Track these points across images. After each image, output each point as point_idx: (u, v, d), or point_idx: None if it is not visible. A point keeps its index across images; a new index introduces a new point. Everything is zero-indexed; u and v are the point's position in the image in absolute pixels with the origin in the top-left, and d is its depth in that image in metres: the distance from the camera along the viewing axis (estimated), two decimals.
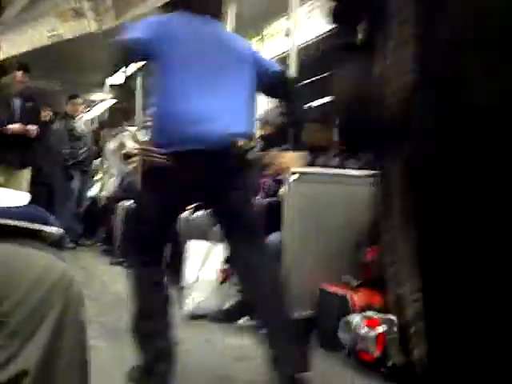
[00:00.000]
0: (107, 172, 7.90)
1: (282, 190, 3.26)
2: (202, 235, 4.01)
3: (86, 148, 7.26)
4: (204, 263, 3.71)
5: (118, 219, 6.17)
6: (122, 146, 7.16)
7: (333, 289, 2.89)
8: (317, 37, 4.56)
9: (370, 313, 2.60)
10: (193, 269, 3.73)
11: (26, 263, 0.79)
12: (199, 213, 4.32)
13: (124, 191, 6.48)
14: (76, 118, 7.26)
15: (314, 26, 4.50)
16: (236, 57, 2.24)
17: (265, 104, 5.22)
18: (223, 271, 3.59)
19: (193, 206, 4.56)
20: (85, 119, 7.78)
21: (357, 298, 2.74)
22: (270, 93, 2.49)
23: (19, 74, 5.18)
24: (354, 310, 2.70)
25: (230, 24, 4.02)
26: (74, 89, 8.11)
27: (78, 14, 0.80)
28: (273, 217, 3.20)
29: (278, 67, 2.42)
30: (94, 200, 7.70)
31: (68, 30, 0.86)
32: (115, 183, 7.33)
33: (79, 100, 7.33)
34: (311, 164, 3.52)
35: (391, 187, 1.02)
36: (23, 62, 5.17)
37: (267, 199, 3.49)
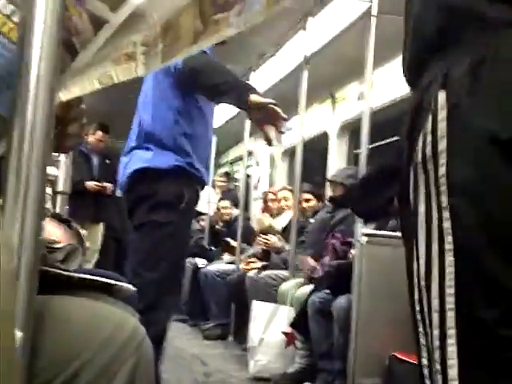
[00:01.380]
0: None
1: (352, 252, 3.20)
2: (268, 296, 3.97)
3: None
4: (269, 325, 3.66)
5: (186, 276, 6.21)
6: None
7: (406, 357, 2.78)
8: (390, 101, 4.56)
9: None
10: (257, 330, 3.68)
11: (99, 319, 0.80)
12: (265, 272, 4.30)
13: (192, 248, 6.55)
14: None
15: (387, 90, 4.51)
16: None
17: (335, 164, 5.23)
18: (288, 334, 3.53)
19: (259, 265, 4.57)
20: None
21: None
22: None
23: (100, 133, 5.49)
24: None
25: (302, 85, 4.08)
26: None
27: (130, 58, 0.83)
28: (341, 279, 3.15)
29: None
30: None
31: (119, 72, 0.90)
32: None
33: None
34: (383, 227, 3.46)
35: None
36: (103, 123, 5.47)
37: (336, 261, 3.43)
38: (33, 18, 0.55)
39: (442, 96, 0.95)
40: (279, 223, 4.92)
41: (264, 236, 4.63)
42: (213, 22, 0.63)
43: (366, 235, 2.91)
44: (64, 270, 0.91)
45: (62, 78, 0.60)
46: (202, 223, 6.80)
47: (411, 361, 2.72)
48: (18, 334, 0.58)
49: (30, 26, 0.55)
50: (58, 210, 2.15)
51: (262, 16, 0.67)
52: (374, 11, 3.01)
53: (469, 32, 0.97)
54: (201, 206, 6.78)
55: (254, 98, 2.03)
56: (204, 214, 6.78)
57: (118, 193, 2.26)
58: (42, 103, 0.58)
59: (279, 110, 2.04)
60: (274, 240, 4.55)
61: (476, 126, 0.91)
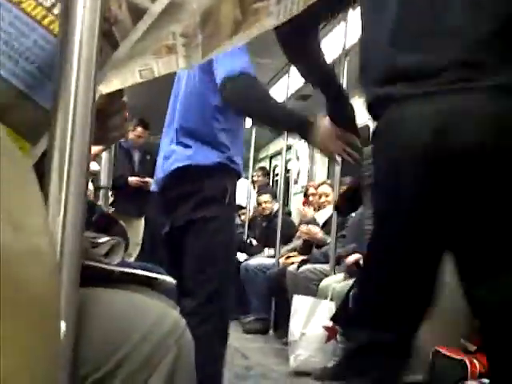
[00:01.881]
0: None
1: None
2: (308, 291, 3.96)
3: None
4: (309, 319, 3.64)
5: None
6: None
7: (449, 352, 2.73)
8: None
9: (486, 380, 2.43)
10: (298, 325, 3.67)
11: (140, 311, 0.80)
12: (306, 266, 4.29)
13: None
14: None
15: None
16: None
17: None
18: (329, 329, 3.51)
19: (299, 259, 4.55)
20: None
21: (476, 363, 2.57)
22: None
23: (140, 129, 5.53)
24: (472, 376, 2.54)
25: (342, 78, 4.04)
26: None
27: (171, 50, 0.81)
28: None
29: None
30: None
31: (160, 65, 0.88)
32: None
33: None
34: None
35: None
36: (144, 119, 5.51)
37: None
38: (73, 10, 0.55)
39: None
40: (319, 218, 4.89)
41: (307, 227, 4.62)
42: (252, 11, 0.62)
43: None
44: (106, 264, 0.92)
45: (104, 69, 0.60)
46: (242, 217, 6.83)
47: (454, 356, 2.68)
48: (62, 325, 0.58)
49: (70, 18, 0.55)
50: (99, 203, 2.18)
51: (302, 5, 0.66)
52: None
53: None
54: (240, 200, 6.82)
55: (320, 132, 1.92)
56: (244, 207, 6.81)
57: (153, 188, 2.27)
58: (82, 96, 0.58)
59: (354, 138, 1.89)
60: (317, 230, 4.53)
61: None
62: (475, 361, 2.59)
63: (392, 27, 1.40)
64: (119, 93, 0.75)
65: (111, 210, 3.46)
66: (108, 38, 0.59)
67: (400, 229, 1.39)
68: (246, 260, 5.79)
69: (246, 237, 6.52)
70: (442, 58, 1.35)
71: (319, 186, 5.26)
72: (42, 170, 0.58)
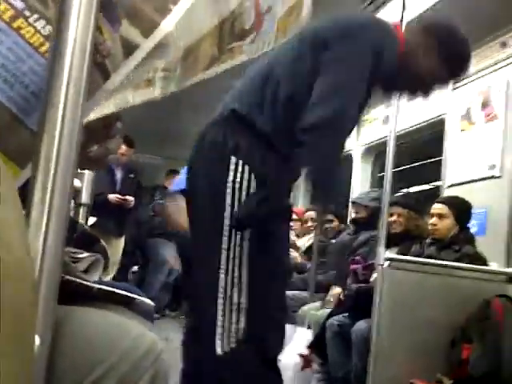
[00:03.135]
0: None
1: (373, 276, 3.16)
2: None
3: None
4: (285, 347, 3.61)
5: None
6: None
7: None
8: (415, 125, 4.54)
9: None
10: None
11: (118, 332, 0.79)
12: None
13: None
14: None
15: (411, 114, 4.50)
16: None
17: (359, 186, 5.21)
18: (305, 357, 3.48)
19: None
20: None
21: None
22: None
23: (123, 147, 5.47)
24: None
25: None
26: (173, 164, 8.45)
27: (149, 83, 0.83)
28: (361, 303, 3.10)
29: None
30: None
31: (136, 96, 0.90)
32: None
33: (178, 176, 7.63)
34: (406, 251, 3.42)
35: None
36: (128, 136, 5.47)
37: (356, 285, 3.39)
38: (65, 38, 0.56)
39: None
40: (302, 243, 4.88)
41: None
42: (228, 50, 0.65)
43: (389, 259, 2.86)
44: (85, 281, 0.91)
45: (95, 98, 0.61)
46: None
47: None
48: (37, 340, 0.58)
49: (61, 45, 0.56)
50: (81, 221, 2.15)
51: (272, 43, 0.70)
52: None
53: None
54: None
55: None
56: None
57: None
58: (69, 119, 0.59)
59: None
60: (295, 255, 4.52)
61: None
62: None
63: None
64: (116, 117, 0.74)
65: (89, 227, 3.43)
66: (101, 70, 0.60)
67: None
68: None
69: None
70: None
71: (306, 211, 5.25)
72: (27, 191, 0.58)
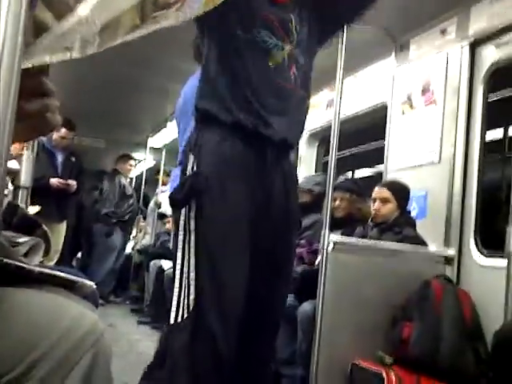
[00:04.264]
0: (143, 229, 8.00)
1: (318, 259, 3.21)
2: None
3: (132, 207, 7.40)
4: None
5: (151, 278, 6.16)
6: (158, 205, 7.28)
7: (366, 365, 2.79)
8: (359, 110, 4.61)
9: None
10: None
11: (58, 312, 0.78)
12: None
13: (157, 249, 6.52)
14: (128, 178, 7.45)
15: (357, 98, 4.56)
16: None
17: (304, 171, 5.25)
18: None
19: None
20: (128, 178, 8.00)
21: (393, 376, 2.63)
22: None
23: (63, 130, 5.32)
24: None
25: None
26: (117, 147, 8.31)
27: (68, 49, 0.81)
28: (307, 285, 3.15)
29: None
30: (129, 257, 7.76)
31: (53, 57, 0.88)
32: (149, 241, 7.40)
33: (132, 161, 7.56)
34: (349, 234, 3.48)
35: None
36: (68, 119, 5.31)
37: (301, 267, 3.43)
38: None
39: None
40: None
41: None
42: (151, 18, 0.65)
43: (333, 242, 2.91)
44: (26, 264, 0.88)
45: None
46: (168, 225, 6.76)
47: (372, 368, 2.74)
48: None
49: None
50: (21, 205, 2.09)
51: (199, 12, 0.70)
52: None
53: None
54: (166, 209, 6.75)
55: None
56: (169, 216, 6.75)
57: None
58: (3, 84, 0.56)
59: None
60: None
61: None
62: (392, 373, 2.66)
63: None
64: (40, 69, 0.69)
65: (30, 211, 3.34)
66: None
67: None
68: (170, 268, 5.73)
69: (171, 244, 6.45)
70: None
71: None
72: None
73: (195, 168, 1.91)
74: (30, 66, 0.62)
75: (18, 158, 2.20)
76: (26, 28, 0.59)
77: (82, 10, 0.56)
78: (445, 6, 3.56)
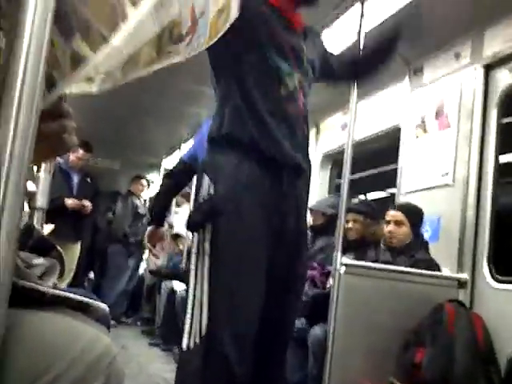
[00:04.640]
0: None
1: (329, 282, 3.20)
2: None
3: (146, 227, 7.40)
4: None
5: (162, 299, 6.15)
6: (170, 227, 7.30)
7: None
8: (372, 133, 4.62)
9: None
10: None
11: (73, 334, 0.79)
12: None
13: (169, 270, 6.52)
14: (141, 198, 7.50)
15: (370, 121, 4.58)
16: None
17: (316, 194, 5.26)
18: None
19: None
20: (142, 198, 8.05)
21: None
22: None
23: (80, 151, 5.41)
24: None
25: None
26: (131, 169, 8.38)
27: (89, 80, 0.82)
28: (318, 308, 3.13)
29: None
30: (141, 278, 7.77)
31: (73, 88, 0.89)
32: (161, 262, 7.41)
33: (143, 181, 7.60)
34: (361, 257, 3.47)
35: None
36: (85, 141, 5.40)
37: (313, 290, 3.42)
38: (18, 47, 0.55)
39: None
40: None
41: None
42: (166, 52, 0.68)
43: (345, 265, 2.91)
44: (40, 286, 0.90)
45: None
46: (181, 246, 6.77)
47: None
48: None
49: (15, 53, 0.56)
50: (36, 226, 2.11)
51: (204, 46, 0.74)
52: (361, 45, 3.06)
53: None
54: (179, 229, 6.77)
55: None
56: (183, 237, 6.76)
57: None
58: (24, 115, 0.58)
59: None
60: None
61: None
62: None
63: None
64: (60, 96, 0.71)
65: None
66: (47, 79, 0.61)
67: None
68: (181, 289, 5.73)
69: (184, 266, 6.45)
70: None
71: None
72: None
73: (212, 191, 1.91)
74: (57, 96, 0.65)
75: (35, 179, 2.22)
76: (61, 59, 0.61)
77: (116, 41, 0.59)
78: (459, 30, 3.58)
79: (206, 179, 1.94)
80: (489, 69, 3.44)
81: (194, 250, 1.90)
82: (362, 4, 3.14)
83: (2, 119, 0.57)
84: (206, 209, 1.89)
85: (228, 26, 0.75)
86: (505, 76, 3.35)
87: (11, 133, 0.58)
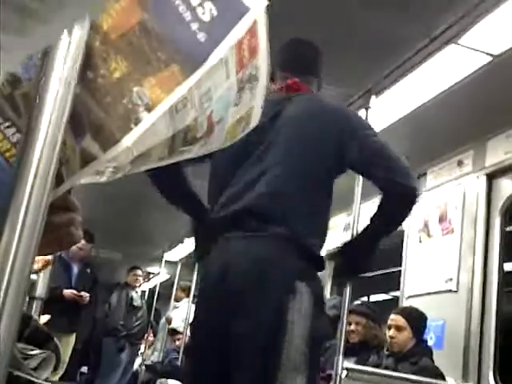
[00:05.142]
0: (152, 345, 7.82)
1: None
2: None
3: (141, 320, 7.25)
4: None
5: None
6: (168, 321, 7.16)
7: None
8: None
9: None
10: None
11: None
12: None
13: (165, 367, 6.34)
14: (137, 290, 7.39)
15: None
16: None
17: None
18: None
19: None
20: (140, 290, 7.93)
21: None
22: None
23: (82, 241, 5.40)
24: None
25: None
26: (133, 261, 8.36)
27: (99, 173, 0.85)
28: None
29: None
30: (136, 373, 7.53)
31: (82, 180, 0.92)
32: (158, 357, 7.21)
33: (138, 271, 7.50)
34: (363, 362, 3.38)
35: None
36: (87, 230, 5.40)
37: None
38: (32, 146, 0.58)
39: None
40: None
41: None
42: (178, 152, 0.70)
43: (346, 369, 2.82)
44: (35, 378, 0.87)
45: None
46: (178, 342, 6.61)
47: None
48: None
49: (29, 154, 0.58)
50: (33, 316, 2.08)
51: (218, 148, 0.76)
52: None
53: None
54: (176, 324, 6.63)
55: None
56: (180, 332, 6.61)
57: None
58: (31, 218, 0.59)
59: None
60: None
61: None
62: None
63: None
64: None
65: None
66: (56, 175, 0.63)
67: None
68: None
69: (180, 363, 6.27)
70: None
71: None
72: None
73: None
74: (63, 191, 0.66)
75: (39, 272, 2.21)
76: (70, 156, 0.63)
77: (127, 141, 0.60)
78: (461, 138, 3.68)
79: None
80: (491, 177, 3.50)
81: None
82: (367, 111, 3.24)
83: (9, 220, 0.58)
84: None
85: (245, 132, 0.77)
86: (508, 185, 3.40)
87: (19, 225, 0.59)
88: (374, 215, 1.91)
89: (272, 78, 1.99)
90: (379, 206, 1.89)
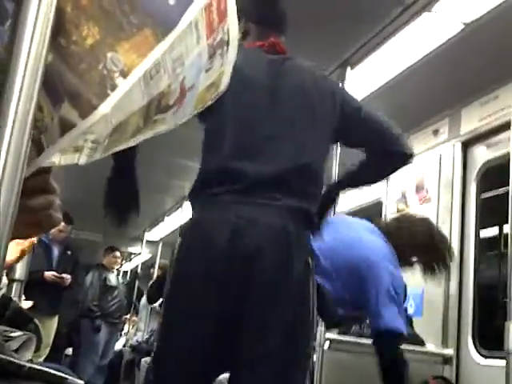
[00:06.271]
0: (135, 325, 7.83)
1: (313, 357, 3.13)
2: None
3: (117, 300, 7.23)
4: None
5: (142, 375, 5.98)
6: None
7: None
8: (354, 206, 4.66)
9: None
10: None
11: None
12: None
13: (150, 346, 6.36)
14: (113, 270, 7.35)
15: (352, 195, 4.63)
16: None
17: None
18: None
19: None
20: (122, 271, 7.89)
21: None
22: None
23: (61, 223, 5.34)
24: None
25: None
26: (114, 241, 8.31)
27: (77, 150, 0.83)
28: None
29: None
30: (120, 353, 7.54)
31: (62, 160, 0.89)
32: (142, 337, 7.23)
33: (117, 253, 7.45)
34: (345, 332, 3.42)
35: None
36: (66, 212, 5.33)
37: None
38: (4, 120, 0.56)
39: None
40: None
41: None
42: (152, 121, 0.69)
43: (329, 340, 2.86)
44: (16, 359, 0.87)
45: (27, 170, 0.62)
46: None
47: None
48: None
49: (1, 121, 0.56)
50: (13, 298, 2.07)
51: (189, 116, 0.76)
52: None
53: None
54: (159, 303, 6.64)
55: None
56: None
57: None
58: (7, 186, 0.58)
59: None
60: None
61: None
62: None
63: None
64: (43, 169, 0.71)
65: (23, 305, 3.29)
66: (36, 145, 0.62)
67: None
68: None
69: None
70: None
71: None
72: None
73: None
74: (45, 160, 0.65)
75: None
76: (49, 124, 0.62)
77: (104, 108, 0.59)
78: (436, 108, 3.70)
79: None
80: (467, 145, 3.53)
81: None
82: (343, 83, 3.24)
83: None
84: None
85: (215, 99, 0.77)
86: (482, 152, 3.43)
87: None
88: (363, 165, 1.95)
89: (243, 31, 1.85)
90: (370, 160, 1.95)
